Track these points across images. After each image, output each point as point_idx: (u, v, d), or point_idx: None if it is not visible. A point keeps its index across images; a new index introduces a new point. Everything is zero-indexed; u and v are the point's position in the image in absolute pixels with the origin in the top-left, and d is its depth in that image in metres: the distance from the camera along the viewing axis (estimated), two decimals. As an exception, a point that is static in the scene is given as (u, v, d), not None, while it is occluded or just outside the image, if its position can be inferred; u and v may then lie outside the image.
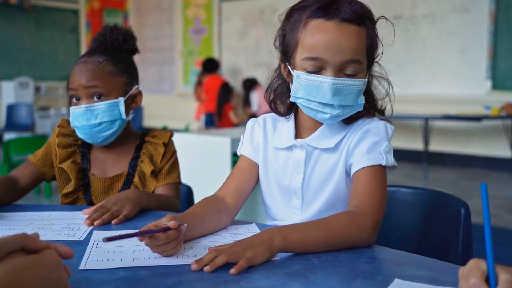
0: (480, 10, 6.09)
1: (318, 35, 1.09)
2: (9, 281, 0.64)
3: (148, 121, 9.08)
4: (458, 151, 6.49)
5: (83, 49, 9.78)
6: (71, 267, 0.75)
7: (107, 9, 10.23)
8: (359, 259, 0.95)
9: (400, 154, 6.76)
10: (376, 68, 1.22)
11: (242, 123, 7.51)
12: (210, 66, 7.85)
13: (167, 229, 0.94)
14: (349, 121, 1.19)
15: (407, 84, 6.69)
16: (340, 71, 1.10)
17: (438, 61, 6.47)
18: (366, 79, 1.14)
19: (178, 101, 9.68)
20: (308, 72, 1.11)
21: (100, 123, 1.42)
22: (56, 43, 9.54)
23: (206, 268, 0.87)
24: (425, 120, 5.58)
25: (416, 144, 6.56)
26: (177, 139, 3.91)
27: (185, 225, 1.00)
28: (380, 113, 1.23)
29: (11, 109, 7.48)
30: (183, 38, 9.62)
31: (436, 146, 6.53)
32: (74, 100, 1.45)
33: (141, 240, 0.95)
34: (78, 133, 1.47)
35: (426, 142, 5.64)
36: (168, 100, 9.89)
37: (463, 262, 1.15)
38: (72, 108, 1.44)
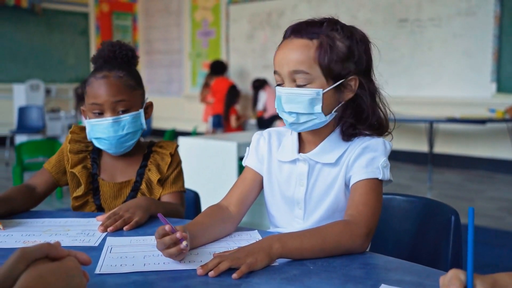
0: (485, 14, 6.13)
1: (277, 53, 1.24)
2: (36, 285, 0.73)
3: (157, 123, 9.17)
4: (463, 153, 6.54)
5: (93, 51, 9.90)
6: (87, 271, 0.83)
7: (116, 12, 10.34)
8: (351, 264, 1.03)
9: (405, 156, 6.81)
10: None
11: (251, 127, 7.60)
12: (218, 68, 7.95)
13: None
14: (347, 138, 1.26)
15: (412, 87, 6.74)
16: (292, 82, 1.21)
17: (444, 64, 6.51)
18: (320, 90, 1.19)
19: (186, 103, 9.78)
20: (277, 87, 1.25)
21: (126, 134, 1.51)
22: (66, 46, 9.66)
23: (211, 273, 0.95)
24: (429, 123, 5.62)
25: (421, 146, 6.61)
26: (184, 143, 4.00)
27: (187, 245, 1.04)
28: (378, 132, 1.27)
29: (22, 111, 7.60)
30: (191, 41, 9.72)
31: (441, 148, 6.58)
32: (95, 113, 1.51)
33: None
34: (100, 144, 1.53)
35: (431, 145, 5.69)
36: (176, 102, 9.99)
37: (453, 267, 1.24)
38: (94, 121, 1.50)
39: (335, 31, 1.20)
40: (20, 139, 7.83)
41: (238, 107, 7.75)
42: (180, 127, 8.76)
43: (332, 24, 1.21)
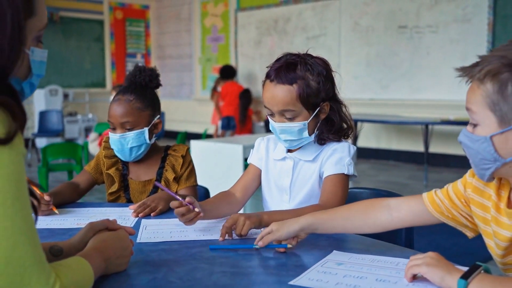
0: (479, 21, 6.47)
1: (265, 91, 1.61)
2: (101, 246, 1.12)
3: (169, 125, 9.57)
4: (460, 153, 6.86)
5: (108, 57, 10.34)
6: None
7: (129, 19, 10.78)
8: (319, 237, 1.40)
9: (406, 156, 7.15)
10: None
11: (260, 129, 7.97)
12: (227, 73, 8.33)
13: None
14: (323, 142, 1.64)
15: (412, 90, 7.09)
16: (281, 116, 1.58)
17: (441, 68, 6.85)
18: (306, 122, 1.57)
19: (197, 105, 10.20)
20: (268, 116, 1.63)
21: (131, 148, 1.88)
22: (82, 52, 10.08)
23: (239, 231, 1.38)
24: (425, 125, 5.96)
25: (420, 147, 6.95)
26: (195, 146, 4.41)
27: (201, 214, 1.46)
28: (344, 137, 1.66)
29: (42, 115, 8.04)
30: (201, 46, 10.14)
31: (439, 148, 6.91)
32: (111, 127, 1.90)
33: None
34: (116, 153, 1.92)
35: (427, 146, 6.03)
36: (187, 105, 10.41)
37: (406, 244, 1.62)
38: (110, 134, 1.90)
39: (307, 71, 1.56)
40: (40, 141, 8.27)
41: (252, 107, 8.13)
42: (191, 129, 9.15)
43: (303, 64, 1.56)
